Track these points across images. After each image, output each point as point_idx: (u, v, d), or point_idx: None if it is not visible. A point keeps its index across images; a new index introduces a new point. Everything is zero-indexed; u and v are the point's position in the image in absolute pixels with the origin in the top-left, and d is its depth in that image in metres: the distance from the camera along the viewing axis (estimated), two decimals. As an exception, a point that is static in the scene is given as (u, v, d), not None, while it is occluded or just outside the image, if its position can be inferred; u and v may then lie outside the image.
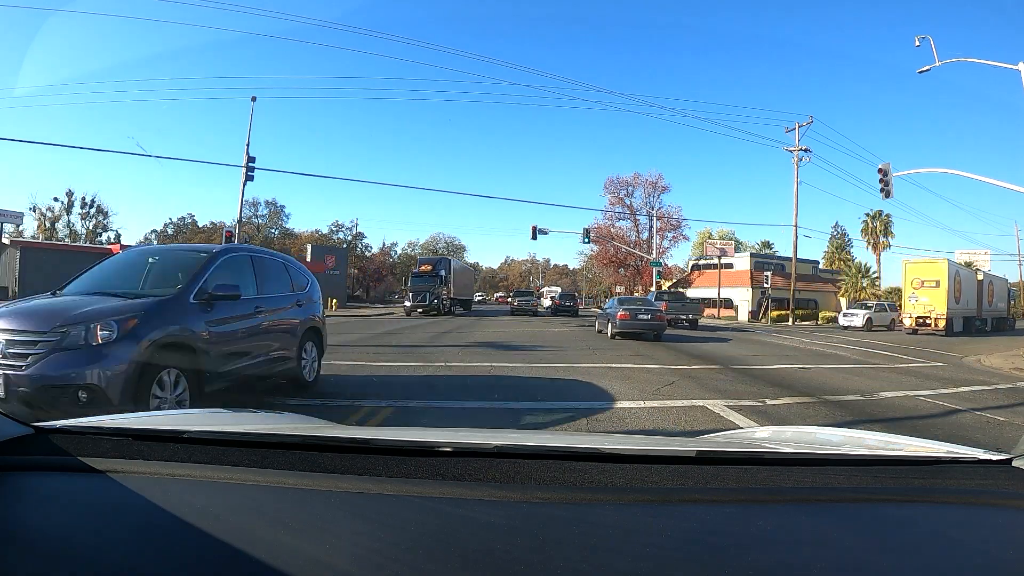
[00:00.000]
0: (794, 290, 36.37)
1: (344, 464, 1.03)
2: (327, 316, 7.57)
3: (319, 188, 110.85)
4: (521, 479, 0.98)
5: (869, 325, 28.92)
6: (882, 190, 18.83)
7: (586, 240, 40.99)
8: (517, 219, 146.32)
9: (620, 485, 0.97)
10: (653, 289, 47.64)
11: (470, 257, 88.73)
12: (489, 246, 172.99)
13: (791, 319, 36.11)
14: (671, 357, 11.46)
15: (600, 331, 18.12)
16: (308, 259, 46.06)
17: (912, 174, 20.54)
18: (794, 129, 35.58)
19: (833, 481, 1.01)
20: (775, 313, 37.82)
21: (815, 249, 67.96)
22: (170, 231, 59.47)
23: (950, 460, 1.14)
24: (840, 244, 58.06)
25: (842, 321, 30.40)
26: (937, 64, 17.88)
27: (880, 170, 18.79)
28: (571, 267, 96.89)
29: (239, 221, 27.91)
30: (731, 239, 52.16)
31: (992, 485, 1.00)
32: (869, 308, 30.53)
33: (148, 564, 0.77)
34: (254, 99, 27.14)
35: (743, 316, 41.16)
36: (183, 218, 60.86)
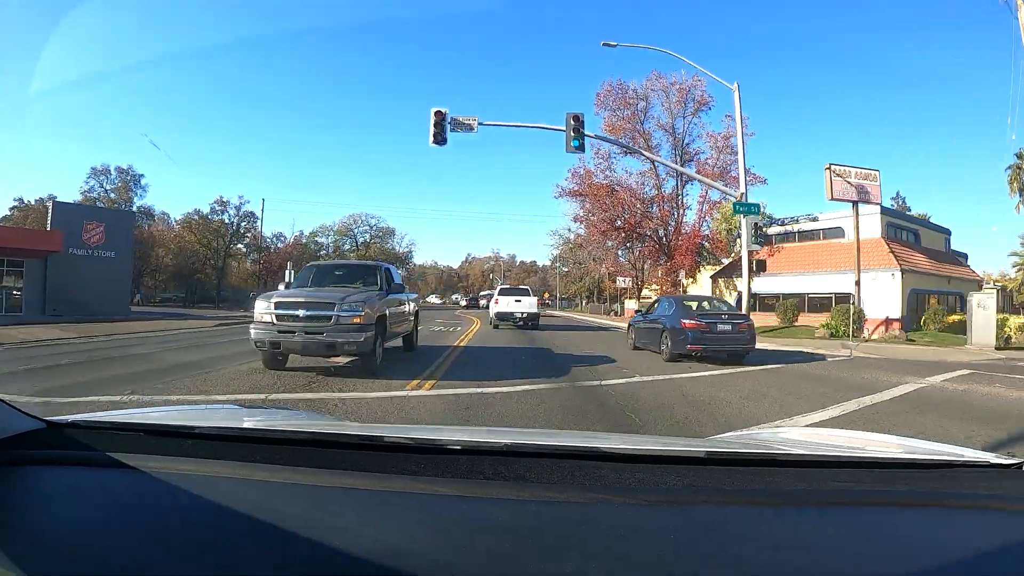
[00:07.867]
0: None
1: (355, 461, 1.03)
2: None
3: (222, 166, 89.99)
4: (531, 478, 0.98)
5: None
6: None
7: (576, 144, 17.03)
8: (476, 215, 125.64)
9: (631, 485, 0.97)
10: (742, 287, 26.01)
11: (421, 255, 70.01)
12: (449, 244, 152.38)
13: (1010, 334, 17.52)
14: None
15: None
16: (48, 227, 24.04)
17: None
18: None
19: (844, 484, 1.00)
20: (951, 319, 19.72)
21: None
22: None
23: (961, 464, 1.11)
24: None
25: None
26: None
27: None
28: (540, 263, 79.26)
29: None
30: (865, 171, 22.83)
31: (1003, 489, 1.00)
32: None
33: (159, 558, 0.78)
34: None
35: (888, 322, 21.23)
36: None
